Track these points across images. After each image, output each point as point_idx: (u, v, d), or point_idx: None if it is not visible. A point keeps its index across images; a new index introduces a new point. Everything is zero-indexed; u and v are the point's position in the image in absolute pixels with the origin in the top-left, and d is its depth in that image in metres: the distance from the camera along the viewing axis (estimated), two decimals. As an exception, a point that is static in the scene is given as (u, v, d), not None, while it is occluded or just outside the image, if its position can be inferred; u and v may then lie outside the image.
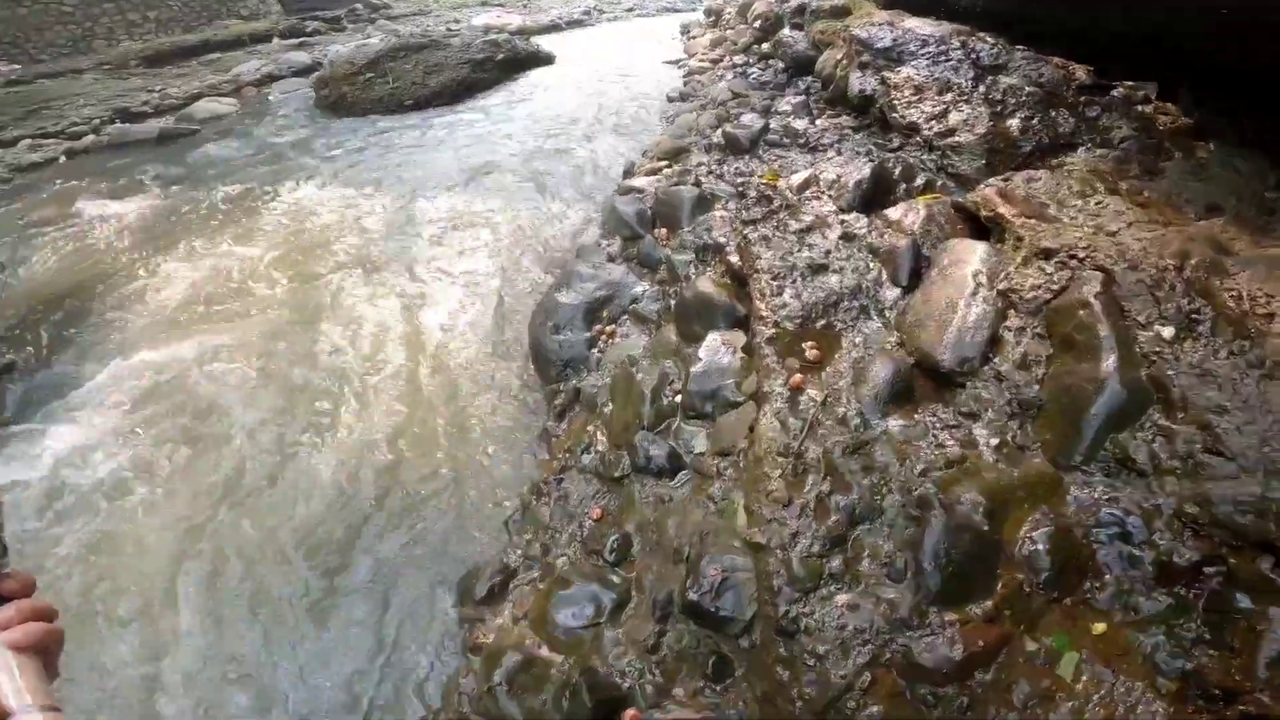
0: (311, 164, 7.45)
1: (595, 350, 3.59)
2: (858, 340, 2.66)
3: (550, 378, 3.72)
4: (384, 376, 4.00)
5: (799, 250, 2.97)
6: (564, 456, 3.42)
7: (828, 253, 2.95)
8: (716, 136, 5.54)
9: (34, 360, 4.39)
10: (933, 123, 3.98)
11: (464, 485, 3.48)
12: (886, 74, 4.55)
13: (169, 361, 4.15)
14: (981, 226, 2.95)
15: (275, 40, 13.95)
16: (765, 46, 10.30)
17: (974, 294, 2.52)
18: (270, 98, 11.09)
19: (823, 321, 2.73)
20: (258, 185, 6.86)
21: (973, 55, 4.43)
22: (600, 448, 3.27)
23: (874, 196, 3.45)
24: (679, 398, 3.04)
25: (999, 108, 3.92)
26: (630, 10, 19.80)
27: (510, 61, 10.70)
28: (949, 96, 4.08)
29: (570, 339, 3.62)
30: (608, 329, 3.64)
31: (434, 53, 9.94)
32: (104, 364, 4.20)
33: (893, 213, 3.17)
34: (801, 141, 4.95)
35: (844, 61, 5.65)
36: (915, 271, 2.81)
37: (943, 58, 4.49)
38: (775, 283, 2.83)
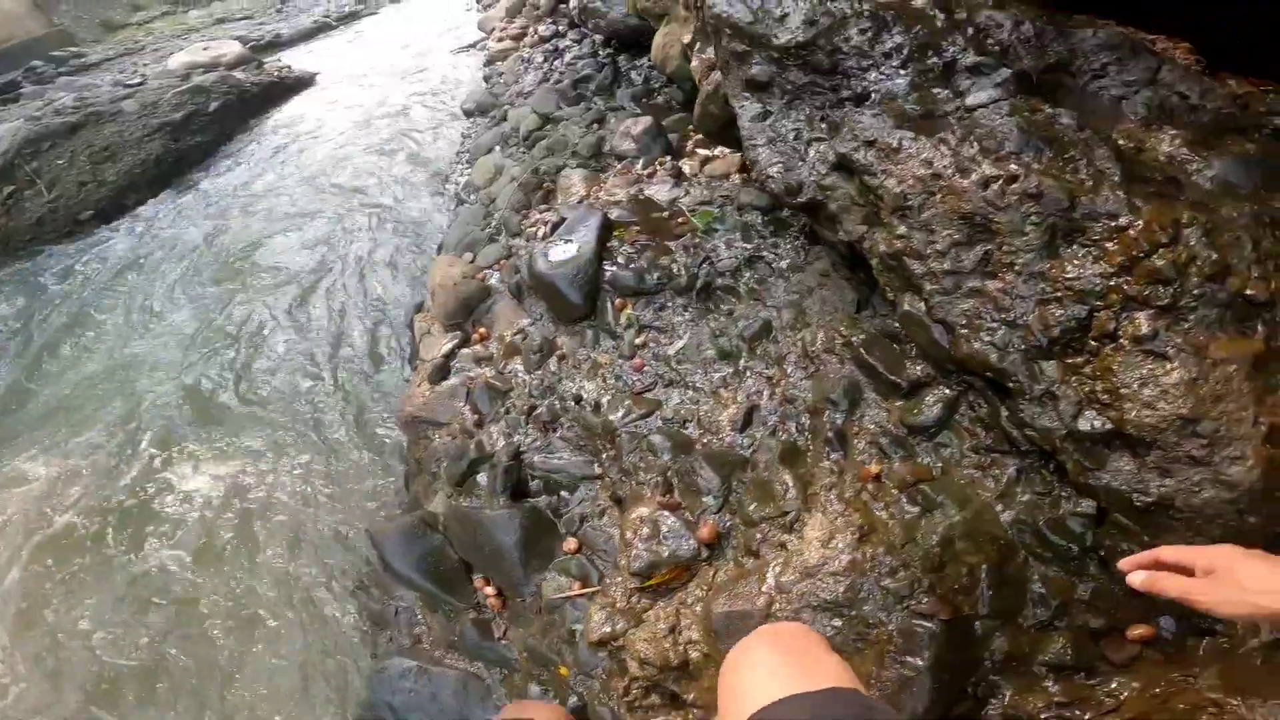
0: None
1: None
2: None
3: None
4: None
5: None
6: None
7: None
8: (527, 255, 2.66)
9: None
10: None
11: None
12: (854, 141, 1.78)
13: None
14: None
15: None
16: (572, 4, 7.18)
17: None
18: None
19: None
20: None
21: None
22: None
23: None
24: None
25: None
26: (414, -15, 15.68)
27: (234, 107, 7.08)
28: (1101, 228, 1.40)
29: None
30: None
31: (98, 131, 6.23)
32: None
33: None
34: (681, 274, 2.20)
35: (701, 57, 2.77)
36: None
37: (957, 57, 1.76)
38: None
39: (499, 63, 6.99)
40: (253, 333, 3.73)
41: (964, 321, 1.53)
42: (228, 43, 8.68)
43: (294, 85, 8.11)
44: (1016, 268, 1.45)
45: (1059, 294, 1.39)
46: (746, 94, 2.08)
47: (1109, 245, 1.34)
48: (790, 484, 1.72)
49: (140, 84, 7.27)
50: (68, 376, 3.77)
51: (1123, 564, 0.89)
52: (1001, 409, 1.54)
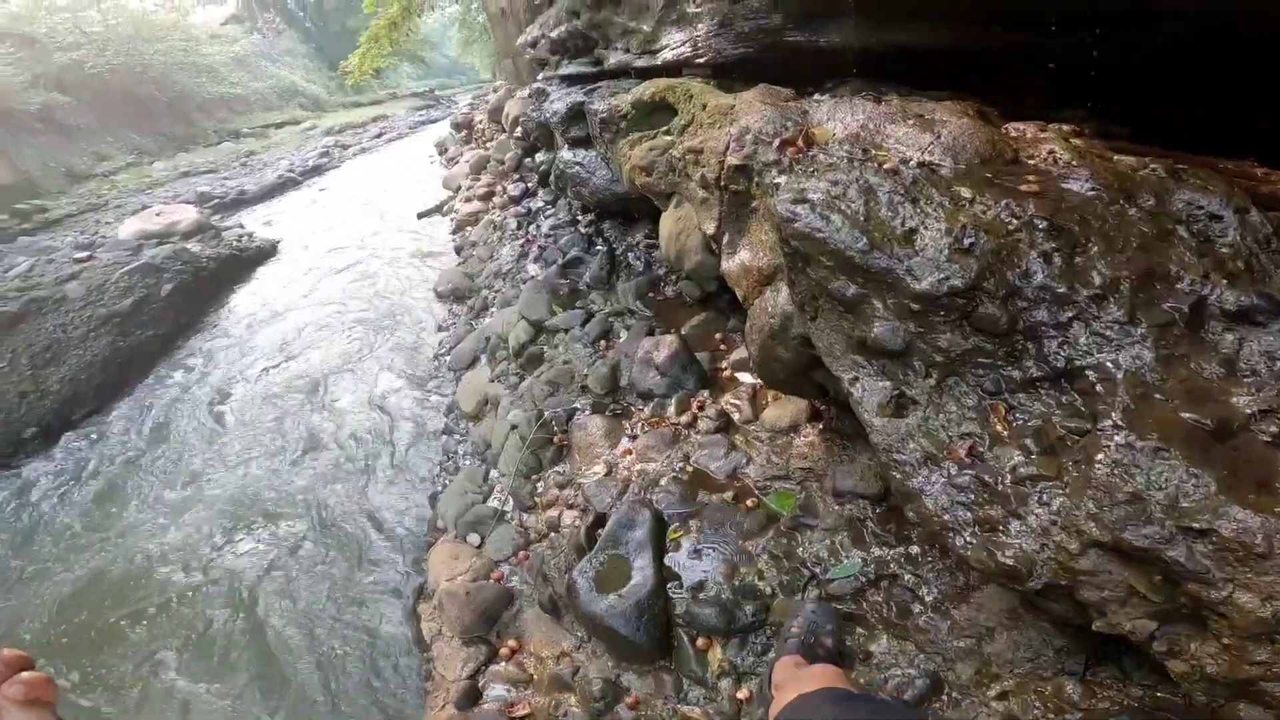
0: None
1: None
2: None
3: None
4: None
5: None
6: None
7: None
8: (562, 571, 2.04)
9: None
10: None
11: None
12: (1150, 525, 1.11)
13: None
14: None
15: None
16: (539, 159, 6.94)
17: None
18: None
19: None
20: None
21: None
22: None
23: None
24: None
25: None
26: (378, 136, 15.79)
27: (190, 289, 6.41)
28: None
29: None
30: None
31: (40, 325, 5.47)
32: None
33: None
34: (779, 598, 1.55)
35: (740, 262, 2.25)
36: None
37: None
38: None
39: (469, 228, 6.57)
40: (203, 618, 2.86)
41: None
42: (182, 208, 8.13)
43: (254, 258, 7.51)
44: None
45: None
46: (862, 361, 1.45)
47: None
48: None
49: (88, 259, 6.58)
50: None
51: None
52: None
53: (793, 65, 2.58)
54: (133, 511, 3.64)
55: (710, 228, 2.37)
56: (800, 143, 1.93)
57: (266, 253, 7.70)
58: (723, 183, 2.25)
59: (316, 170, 12.90)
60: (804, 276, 1.56)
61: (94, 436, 4.71)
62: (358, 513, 3.17)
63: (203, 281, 6.63)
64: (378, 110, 19.09)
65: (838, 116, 2.01)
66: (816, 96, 2.35)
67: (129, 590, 3.06)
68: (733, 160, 2.17)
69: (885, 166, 1.61)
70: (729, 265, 2.27)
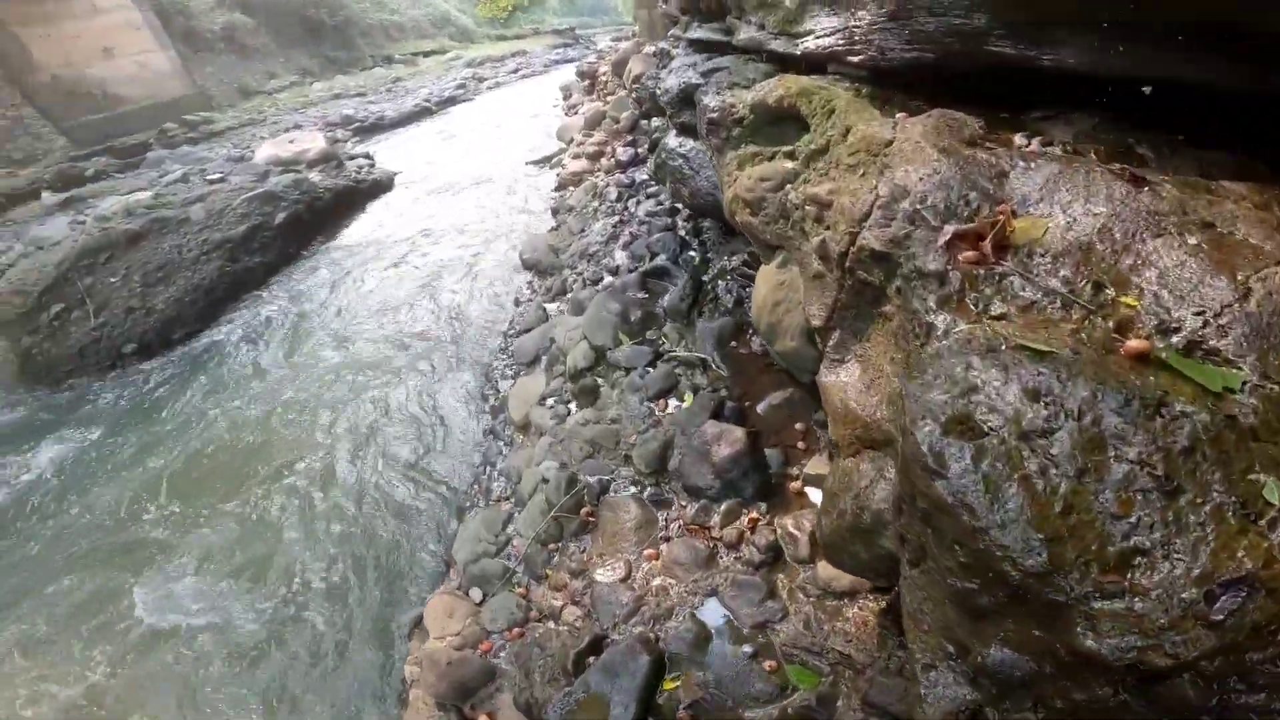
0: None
1: None
2: None
3: None
4: None
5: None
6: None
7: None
8: (541, 685, 1.59)
9: None
10: None
11: None
12: None
13: None
14: None
15: (44, 195, 8.09)
16: (655, 123, 6.21)
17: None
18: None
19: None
20: None
21: None
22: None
23: None
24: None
25: None
26: (514, 72, 15.43)
27: (302, 219, 6.43)
28: None
29: None
30: None
31: (158, 245, 5.66)
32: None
33: None
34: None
35: (843, 382, 1.52)
36: None
37: None
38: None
39: (570, 189, 6.08)
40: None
41: None
42: (313, 135, 8.17)
43: (370, 190, 7.46)
44: None
45: None
46: (951, 653, 0.83)
47: None
48: None
49: (220, 181, 6.76)
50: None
51: None
52: None
53: (988, 79, 1.73)
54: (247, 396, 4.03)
55: (817, 316, 1.66)
56: (987, 246, 1.17)
57: (383, 186, 7.64)
58: (849, 264, 1.52)
59: (451, 101, 12.82)
60: (919, 529, 0.88)
61: (172, 374, 4.87)
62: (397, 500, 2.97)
63: (317, 213, 6.65)
64: (519, 45, 18.69)
65: (1059, 198, 1.23)
66: (1021, 143, 1.52)
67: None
68: (871, 240, 1.44)
69: (1132, 348, 0.85)
70: (828, 380, 1.58)
